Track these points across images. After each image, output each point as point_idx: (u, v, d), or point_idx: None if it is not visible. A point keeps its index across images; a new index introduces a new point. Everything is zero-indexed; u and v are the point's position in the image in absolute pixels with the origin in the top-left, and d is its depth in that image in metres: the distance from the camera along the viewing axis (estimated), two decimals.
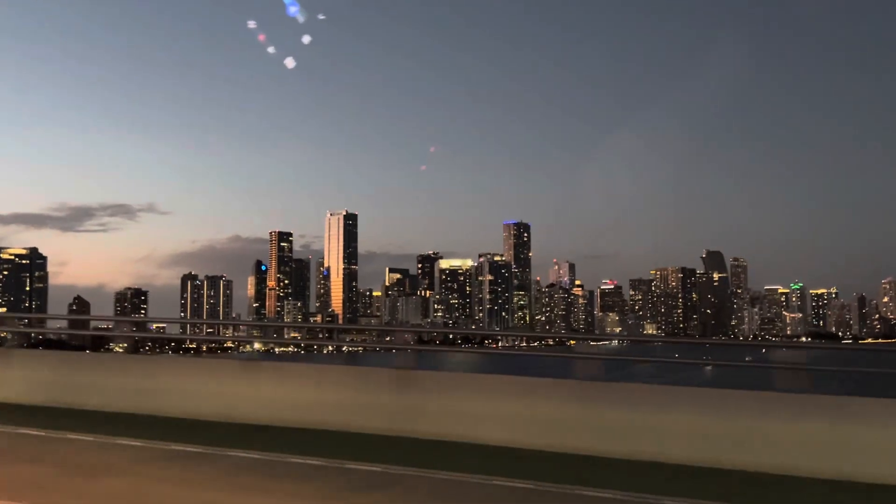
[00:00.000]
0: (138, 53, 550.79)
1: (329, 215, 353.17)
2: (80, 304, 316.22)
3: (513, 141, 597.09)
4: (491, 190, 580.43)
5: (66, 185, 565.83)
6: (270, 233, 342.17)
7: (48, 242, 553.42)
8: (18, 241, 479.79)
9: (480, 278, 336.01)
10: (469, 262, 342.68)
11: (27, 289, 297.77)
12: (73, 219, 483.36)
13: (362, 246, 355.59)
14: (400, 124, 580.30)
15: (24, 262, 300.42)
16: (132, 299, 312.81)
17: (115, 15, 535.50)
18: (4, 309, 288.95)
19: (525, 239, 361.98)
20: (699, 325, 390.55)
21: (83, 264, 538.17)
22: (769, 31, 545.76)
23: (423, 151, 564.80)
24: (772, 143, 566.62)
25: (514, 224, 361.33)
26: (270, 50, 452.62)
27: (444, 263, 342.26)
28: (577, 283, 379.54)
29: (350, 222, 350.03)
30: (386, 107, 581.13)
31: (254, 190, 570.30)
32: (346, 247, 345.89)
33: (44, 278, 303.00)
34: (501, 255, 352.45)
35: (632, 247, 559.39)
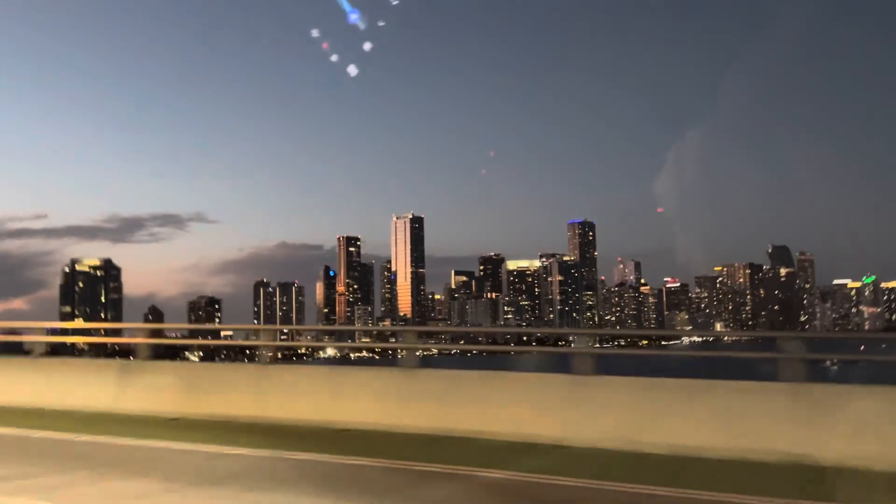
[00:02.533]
0: (191, 67, 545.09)
1: (395, 219, 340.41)
2: (154, 314, 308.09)
3: (569, 139, 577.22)
4: (547, 189, 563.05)
5: (117, 197, 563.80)
6: (339, 237, 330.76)
7: (100, 254, 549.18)
8: (73, 253, 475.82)
9: (550, 279, 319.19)
10: (537, 263, 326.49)
11: (102, 300, 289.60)
12: (124, 230, 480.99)
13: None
14: (458, 127, 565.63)
15: (98, 273, 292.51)
16: (206, 307, 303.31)
17: (168, 31, 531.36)
18: (81, 319, 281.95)
19: (590, 238, 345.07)
20: (767, 323, 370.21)
21: (134, 274, 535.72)
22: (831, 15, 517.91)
23: (481, 154, 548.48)
24: (830, 134, 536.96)
25: (579, 223, 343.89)
26: (334, 58, 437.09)
27: (512, 264, 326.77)
28: (641, 281, 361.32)
29: (416, 225, 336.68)
30: (444, 111, 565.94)
31: (302, 197, 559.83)
32: (412, 250, 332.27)
33: (118, 289, 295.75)
34: (566, 255, 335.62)
35: (693, 243, 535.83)
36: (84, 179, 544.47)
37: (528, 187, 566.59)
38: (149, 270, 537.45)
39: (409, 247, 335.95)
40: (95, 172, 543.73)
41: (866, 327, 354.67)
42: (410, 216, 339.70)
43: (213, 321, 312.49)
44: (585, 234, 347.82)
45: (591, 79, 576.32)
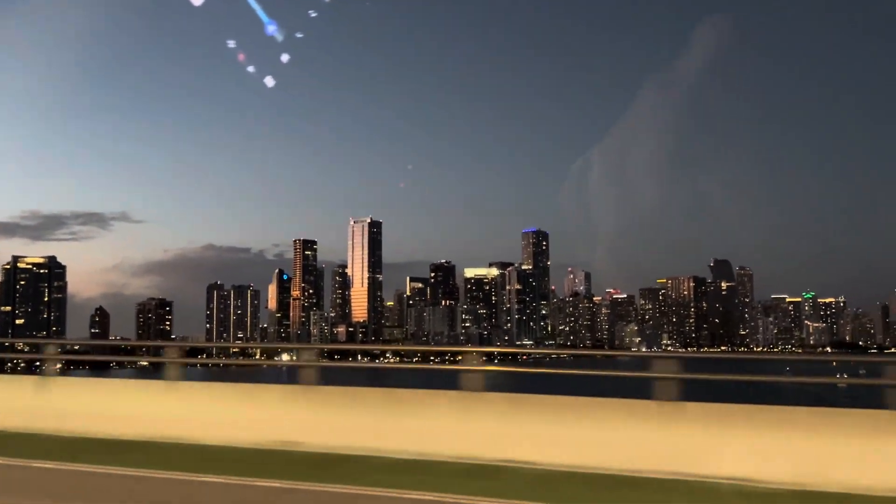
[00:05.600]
0: (115, 66, 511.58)
1: (352, 223, 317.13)
2: (101, 316, 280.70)
3: (512, 148, 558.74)
4: (493, 198, 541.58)
5: (37, 194, 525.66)
6: (294, 241, 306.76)
7: (18, 252, 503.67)
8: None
9: (508, 287, 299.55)
10: (495, 271, 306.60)
11: (45, 299, 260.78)
12: (44, 228, 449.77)
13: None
14: (384, 137, 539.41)
15: (41, 271, 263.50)
16: (156, 310, 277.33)
17: (95, 30, 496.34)
18: (23, 321, 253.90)
19: (544, 247, 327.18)
20: (708, 335, 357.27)
21: None
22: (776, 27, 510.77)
23: (412, 160, 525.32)
24: (764, 151, 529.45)
25: (533, 232, 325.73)
26: (250, 69, 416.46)
27: (469, 272, 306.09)
28: (591, 292, 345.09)
29: (374, 230, 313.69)
30: (366, 120, 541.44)
31: (229, 200, 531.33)
32: (370, 255, 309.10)
33: (62, 289, 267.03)
34: (523, 264, 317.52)
35: (634, 255, 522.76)
36: (2, 174, 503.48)
37: (476, 195, 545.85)
38: (69, 270, 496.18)
39: (366, 251, 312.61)
40: (15, 167, 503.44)
41: (811, 342, 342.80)
42: (369, 220, 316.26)
43: (164, 324, 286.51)
44: (539, 243, 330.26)
45: (525, 86, 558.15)
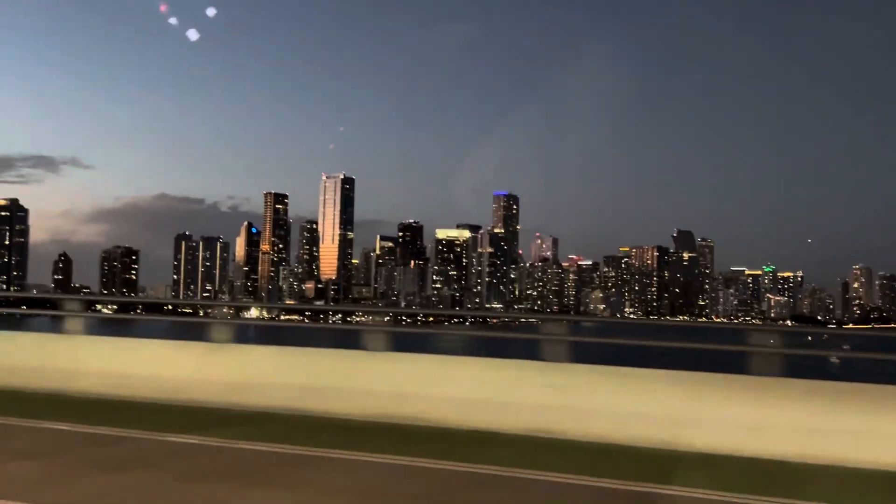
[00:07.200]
0: (62, 10, 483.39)
1: (325, 178, 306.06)
2: (65, 262, 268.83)
3: (482, 111, 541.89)
4: (455, 161, 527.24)
5: None
6: (265, 194, 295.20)
7: None
8: None
9: (480, 250, 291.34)
10: (467, 234, 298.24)
11: (6, 243, 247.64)
12: None
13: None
14: (313, 97, 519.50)
15: (2, 213, 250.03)
16: (122, 258, 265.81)
17: None
18: None
19: (514, 211, 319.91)
20: (668, 305, 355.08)
21: None
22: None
23: (337, 126, 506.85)
24: (730, 126, 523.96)
25: (504, 195, 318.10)
26: (172, 21, 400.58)
27: (441, 233, 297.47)
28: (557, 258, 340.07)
29: (347, 186, 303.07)
30: (298, 82, 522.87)
31: (181, 150, 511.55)
32: (342, 212, 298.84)
33: (24, 232, 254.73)
34: (492, 227, 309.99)
35: (595, 224, 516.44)
36: None
37: (444, 156, 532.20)
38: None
39: (338, 208, 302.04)
40: None
41: (772, 315, 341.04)
42: (342, 176, 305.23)
43: (130, 274, 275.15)
44: (510, 206, 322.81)
45: (478, 53, 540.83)
